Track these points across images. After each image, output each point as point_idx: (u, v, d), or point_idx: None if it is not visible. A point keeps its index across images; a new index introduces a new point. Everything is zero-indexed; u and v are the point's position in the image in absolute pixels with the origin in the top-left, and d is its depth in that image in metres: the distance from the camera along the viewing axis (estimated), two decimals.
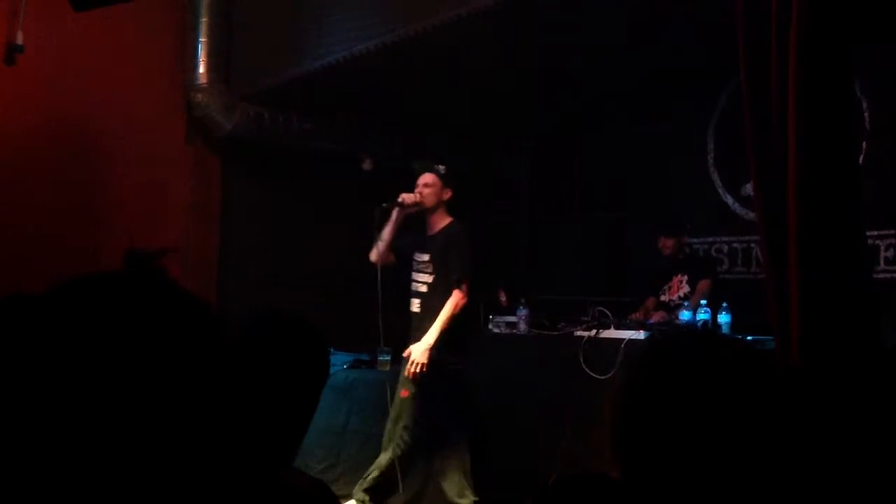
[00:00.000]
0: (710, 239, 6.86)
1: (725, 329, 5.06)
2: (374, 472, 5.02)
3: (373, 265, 4.97)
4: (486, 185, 8.37)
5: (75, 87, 6.16)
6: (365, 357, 6.15)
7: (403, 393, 4.96)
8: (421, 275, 5.00)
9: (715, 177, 6.89)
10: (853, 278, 2.98)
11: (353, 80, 6.32)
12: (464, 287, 4.84)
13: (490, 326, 5.84)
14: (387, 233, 4.94)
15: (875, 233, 5.72)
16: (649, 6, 5.02)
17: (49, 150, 6.02)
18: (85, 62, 6.21)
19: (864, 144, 5.68)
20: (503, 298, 6.33)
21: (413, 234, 5.14)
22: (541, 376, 5.24)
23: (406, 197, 4.91)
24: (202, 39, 6.62)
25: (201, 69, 6.63)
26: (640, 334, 4.92)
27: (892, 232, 5.71)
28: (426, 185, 4.95)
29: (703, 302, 5.30)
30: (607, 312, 5.33)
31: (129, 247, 1.18)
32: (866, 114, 5.84)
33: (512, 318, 5.72)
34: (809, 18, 2.94)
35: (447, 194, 5.00)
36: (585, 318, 5.44)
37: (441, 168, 4.98)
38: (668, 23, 5.28)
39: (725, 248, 6.80)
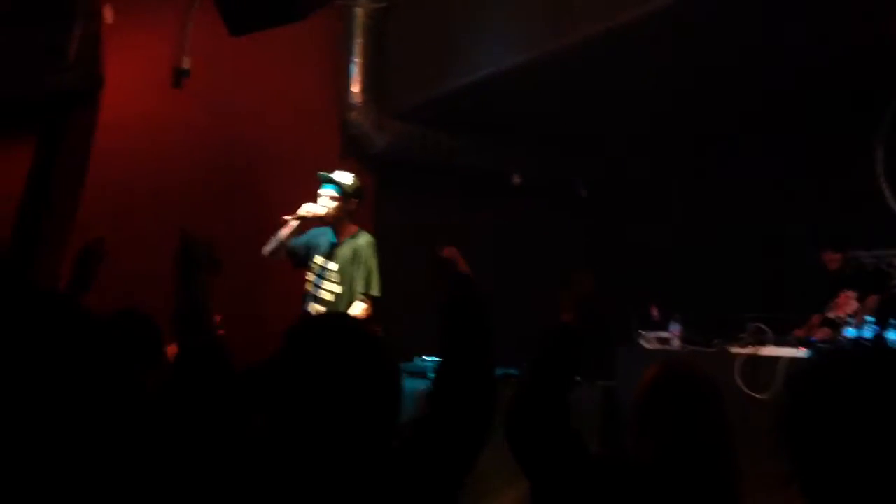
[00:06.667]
0: (880, 252, 6.49)
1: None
2: None
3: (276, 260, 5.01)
4: (639, 199, 8.23)
5: (234, 108, 6.44)
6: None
7: None
8: (327, 283, 4.93)
9: (884, 187, 6.53)
10: None
11: (500, 95, 6.35)
12: (367, 302, 4.77)
13: (640, 341, 5.72)
14: (283, 235, 4.92)
15: None
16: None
17: (210, 170, 6.30)
18: (243, 83, 6.49)
19: None
20: (655, 313, 6.18)
21: (314, 236, 5.07)
22: None
23: (308, 210, 4.88)
24: (356, 60, 6.81)
25: (355, 88, 6.81)
26: (802, 352, 4.72)
27: None
28: (331, 198, 4.91)
29: (870, 319, 5.02)
30: (765, 329, 5.14)
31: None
32: None
33: (664, 334, 5.60)
34: None
35: (352, 205, 4.95)
36: (742, 335, 5.26)
37: (345, 180, 4.91)
38: (831, 28, 5.06)
39: None
